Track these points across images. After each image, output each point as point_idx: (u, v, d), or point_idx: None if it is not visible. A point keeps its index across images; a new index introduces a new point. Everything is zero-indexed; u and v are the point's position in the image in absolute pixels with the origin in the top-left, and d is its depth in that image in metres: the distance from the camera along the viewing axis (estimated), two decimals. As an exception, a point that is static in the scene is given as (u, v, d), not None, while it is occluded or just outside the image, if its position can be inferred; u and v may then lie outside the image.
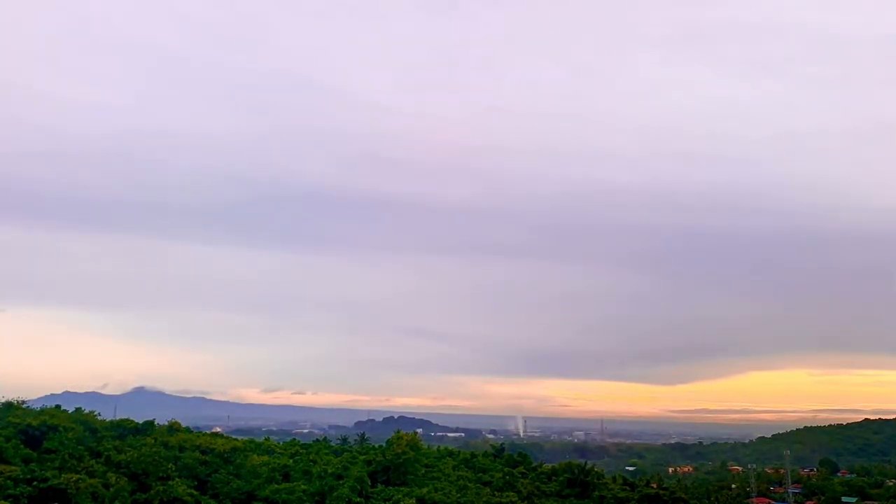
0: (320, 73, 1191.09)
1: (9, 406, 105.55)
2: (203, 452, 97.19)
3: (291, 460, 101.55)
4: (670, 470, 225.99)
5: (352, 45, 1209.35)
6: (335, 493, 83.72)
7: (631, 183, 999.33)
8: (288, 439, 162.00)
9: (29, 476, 73.13)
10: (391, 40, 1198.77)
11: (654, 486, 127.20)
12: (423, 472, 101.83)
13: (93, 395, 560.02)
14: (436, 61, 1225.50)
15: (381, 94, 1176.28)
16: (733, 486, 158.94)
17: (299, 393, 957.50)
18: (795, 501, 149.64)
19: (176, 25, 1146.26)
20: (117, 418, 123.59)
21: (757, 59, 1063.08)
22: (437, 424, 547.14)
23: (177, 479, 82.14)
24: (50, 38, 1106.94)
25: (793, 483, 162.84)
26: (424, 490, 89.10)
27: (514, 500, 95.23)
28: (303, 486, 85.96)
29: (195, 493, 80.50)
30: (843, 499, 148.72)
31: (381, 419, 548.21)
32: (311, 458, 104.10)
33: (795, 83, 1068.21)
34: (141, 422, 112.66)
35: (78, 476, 73.50)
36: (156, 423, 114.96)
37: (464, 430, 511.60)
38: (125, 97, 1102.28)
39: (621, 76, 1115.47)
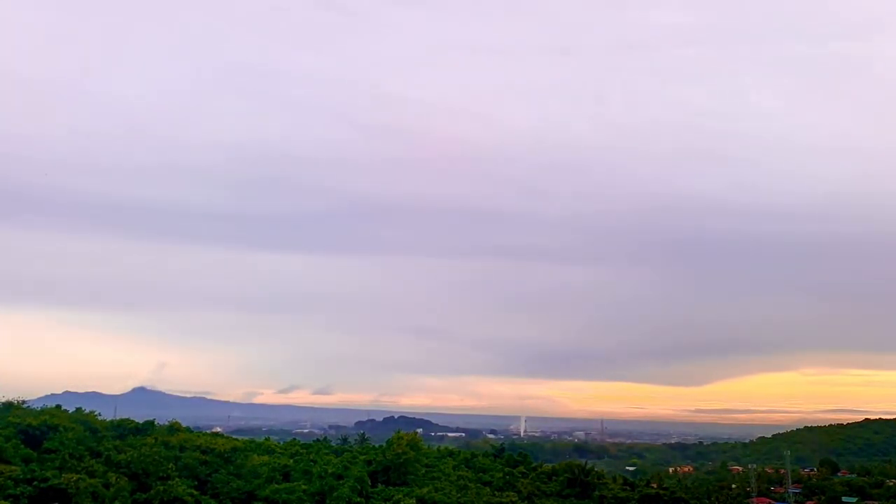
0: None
1: (9, 406, 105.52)
2: (203, 452, 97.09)
3: (292, 460, 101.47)
4: (670, 470, 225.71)
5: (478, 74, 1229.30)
6: (335, 493, 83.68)
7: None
8: (288, 439, 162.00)
9: (29, 476, 73.07)
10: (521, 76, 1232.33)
11: (655, 485, 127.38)
12: (423, 472, 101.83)
13: (93, 395, 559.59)
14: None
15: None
16: (733, 485, 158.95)
17: (299, 393, 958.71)
18: (796, 501, 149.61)
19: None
20: (117, 418, 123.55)
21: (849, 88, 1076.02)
22: (437, 424, 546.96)
23: (177, 479, 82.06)
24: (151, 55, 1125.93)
25: (793, 483, 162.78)
26: (425, 490, 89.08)
27: (514, 500, 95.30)
28: (303, 486, 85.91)
29: (195, 492, 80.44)
30: (844, 499, 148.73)
31: (381, 419, 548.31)
32: (311, 458, 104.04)
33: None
34: (141, 422, 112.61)
35: (78, 476, 73.42)
36: (156, 423, 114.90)
37: (464, 430, 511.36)
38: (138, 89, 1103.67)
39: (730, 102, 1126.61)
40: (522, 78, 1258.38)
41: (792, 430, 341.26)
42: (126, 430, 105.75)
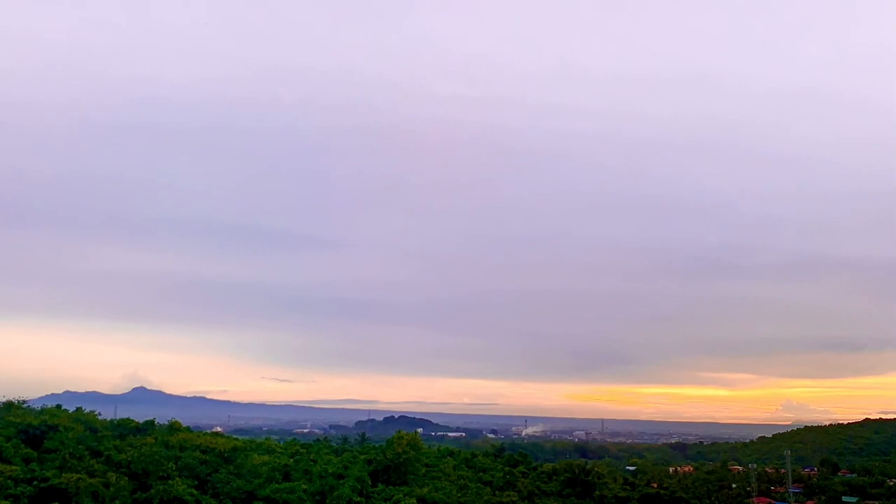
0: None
1: (9, 406, 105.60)
2: (203, 452, 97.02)
3: (292, 460, 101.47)
4: (671, 470, 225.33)
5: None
6: (336, 493, 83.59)
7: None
8: (288, 439, 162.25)
9: (29, 476, 73.05)
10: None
11: (655, 485, 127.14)
12: (423, 471, 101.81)
13: (93, 395, 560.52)
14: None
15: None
16: (734, 485, 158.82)
17: (300, 392, 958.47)
18: (796, 501, 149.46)
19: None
20: (117, 418, 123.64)
21: None
22: (437, 424, 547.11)
23: (177, 479, 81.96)
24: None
25: (793, 483, 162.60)
26: (425, 490, 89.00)
27: (514, 499, 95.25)
28: (303, 486, 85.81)
29: (195, 492, 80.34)
30: (844, 498, 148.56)
31: (381, 419, 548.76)
32: (311, 457, 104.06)
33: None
34: (141, 421, 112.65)
35: (78, 476, 73.38)
36: (156, 422, 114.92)
37: (464, 430, 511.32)
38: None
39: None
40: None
41: (792, 430, 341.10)
42: (126, 430, 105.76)
